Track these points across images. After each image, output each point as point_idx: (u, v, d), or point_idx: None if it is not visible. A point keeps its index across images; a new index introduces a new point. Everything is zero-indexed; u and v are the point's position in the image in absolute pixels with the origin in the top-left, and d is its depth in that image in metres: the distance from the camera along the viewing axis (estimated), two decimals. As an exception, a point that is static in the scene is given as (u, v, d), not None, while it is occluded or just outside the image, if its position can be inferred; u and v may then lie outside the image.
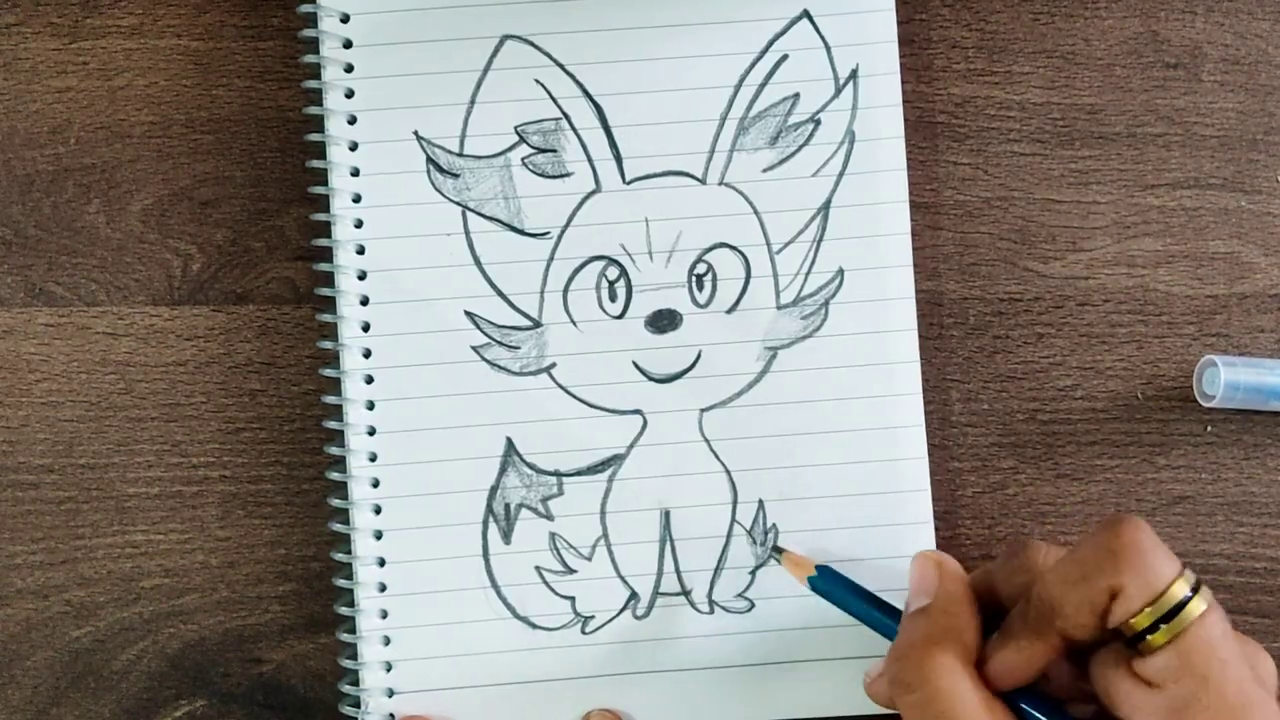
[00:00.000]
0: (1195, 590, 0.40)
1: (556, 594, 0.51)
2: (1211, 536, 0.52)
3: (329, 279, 0.51)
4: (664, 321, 0.51)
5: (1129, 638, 0.40)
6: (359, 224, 0.51)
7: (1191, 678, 0.39)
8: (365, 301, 0.51)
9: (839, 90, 0.51)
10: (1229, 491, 0.53)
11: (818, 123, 0.51)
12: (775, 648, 0.51)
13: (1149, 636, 0.39)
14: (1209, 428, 0.53)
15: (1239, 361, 0.51)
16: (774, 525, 0.51)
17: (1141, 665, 0.40)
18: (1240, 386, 0.51)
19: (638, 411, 0.51)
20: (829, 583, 0.48)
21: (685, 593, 0.51)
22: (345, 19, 0.51)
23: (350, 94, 0.51)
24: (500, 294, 0.51)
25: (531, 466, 0.51)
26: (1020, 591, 0.44)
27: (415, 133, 0.51)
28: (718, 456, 0.51)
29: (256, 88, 0.53)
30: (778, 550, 0.50)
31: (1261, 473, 0.53)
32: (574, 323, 0.51)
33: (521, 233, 0.51)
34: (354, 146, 0.51)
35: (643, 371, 0.51)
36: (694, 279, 0.51)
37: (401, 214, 0.51)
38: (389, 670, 0.50)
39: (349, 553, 0.51)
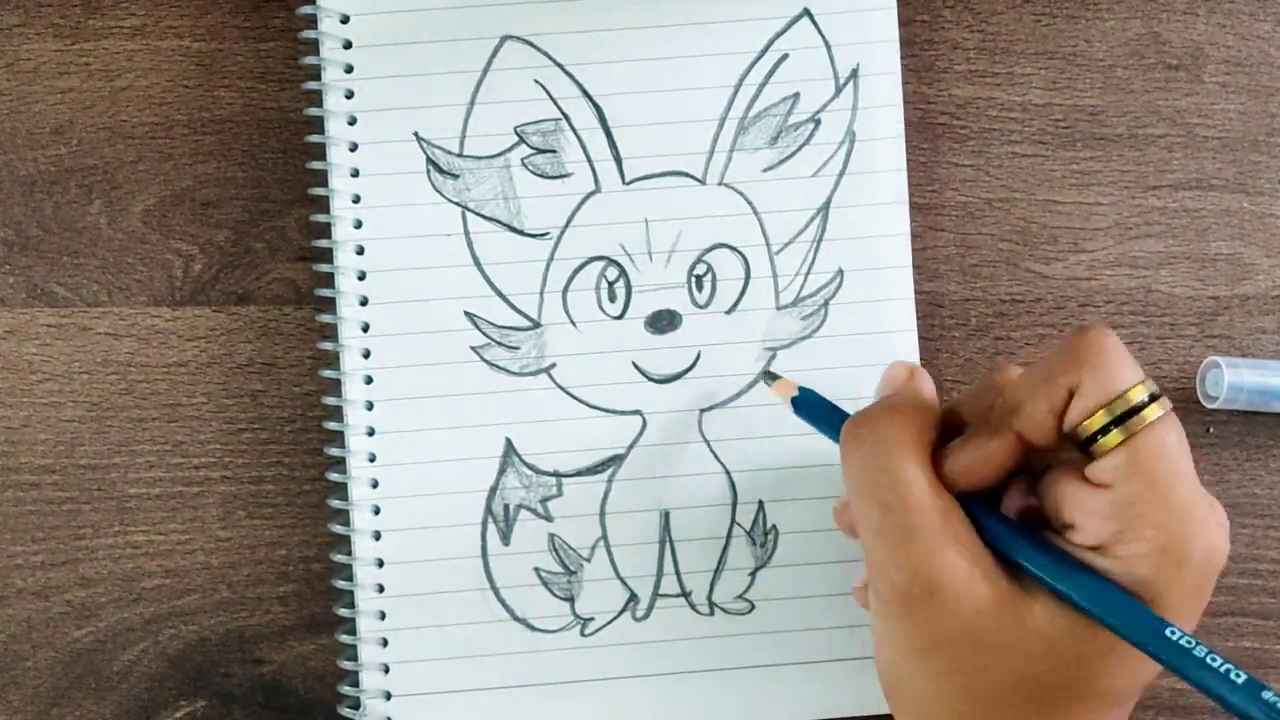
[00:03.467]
0: (1154, 399, 0.39)
1: (555, 595, 0.51)
2: (1214, 538, 0.52)
3: (329, 279, 0.51)
4: (663, 322, 0.51)
5: (1084, 442, 0.39)
6: (359, 224, 0.51)
7: (1140, 478, 0.38)
8: (365, 302, 0.51)
9: (839, 90, 0.51)
10: (1231, 493, 0.52)
11: (818, 122, 0.51)
12: (776, 650, 0.51)
13: (1102, 438, 0.39)
14: (1211, 429, 0.53)
15: (1243, 363, 0.51)
16: (774, 526, 0.51)
17: (1093, 468, 0.39)
18: (1244, 388, 0.51)
19: (637, 412, 0.51)
20: (809, 405, 0.48)
21: (685, 594, 0.51)
22: (345, 20, 0.51)
23: (350, 95, 0.51)
24: (500, 294, 0.51)
25: (531, 467, 0.51)
26: (987, 412, 0.43)
27: (415, 133, 0.51)
28: (717, 457, 0.51)
29: (258, 89, 0.53)
30: (769, 375, 0.50)
31: (1264, 474, 0.52)
32: (573, 323, 0.51)
33: (521, 233, 0.51)
34: (354, 147, 0.51)
35: (642, 372, 0.51)
36: (693, 279, 0.51)
37: (401, 214, 0.51)
38: (386, 672, 0.50)
39: (349, 554, 0.51)
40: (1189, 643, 0.37)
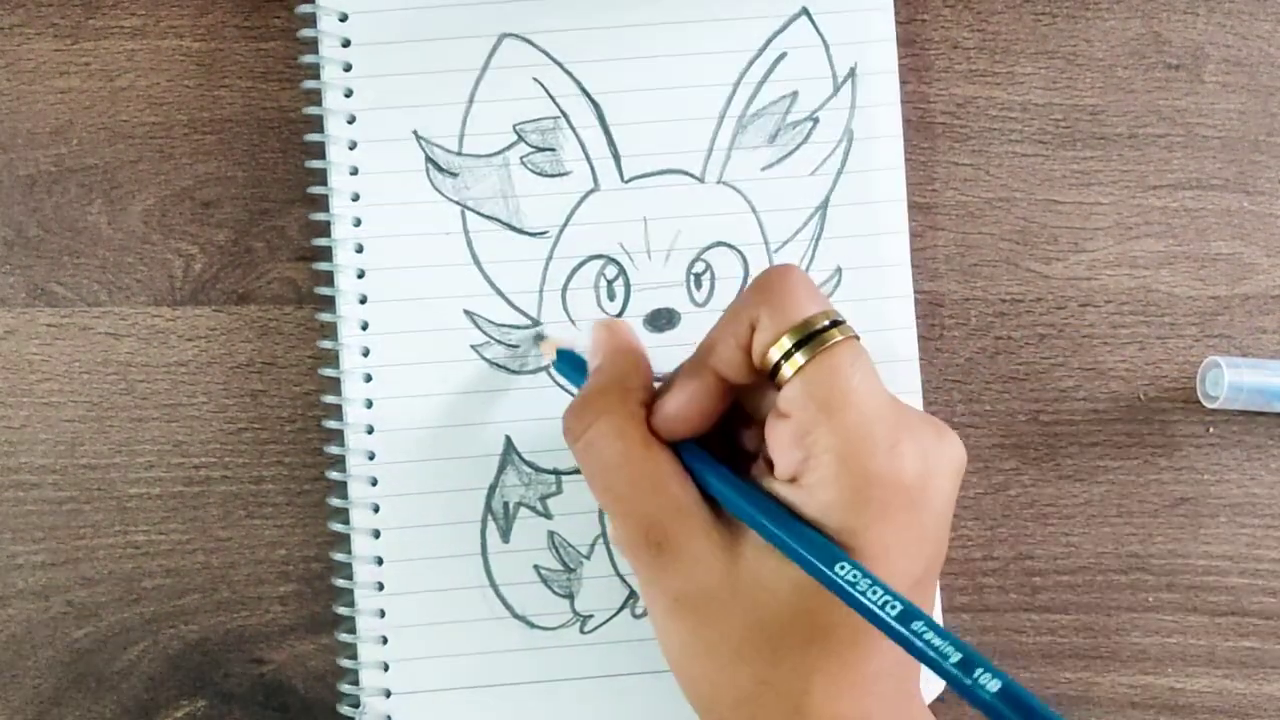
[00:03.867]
0: (835, 326, 0.39)
1: (555, 593, 0.51)
2: (1214, 538, 0.52)
3: (328, 278, 0.51)
4: (662, 320, 0.51)
5: (774, 376, 0.40)
6: (358, 223, 0.51)
7: (813, 402, 0.38)
8: (364, 300, 0.51)
9: (837, 88, 0.51)
10: (1231, 493, 0.52)
11: (816, 121, 0.51)
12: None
13: (784, 367, 0.39)
14: (1211, 429, 0.52)
15: (1243, 363, 0.51)
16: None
17: (778, 399, 0.40)
18: (1244, 388, 0.51)
19: (636, 410, 0.51)
20: (566, 364, 0.49)
21: (685, 593, 0.51)
22: (344, 18, 0.51)
23: (349, 93, 0.51)
24: (499, 293, 0.51)
25: (530, 465, 0.51)
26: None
27: (414, 132, 0.51)
28: (716, 455, 0.51)
29: (258, 88, 0.53)
30: (539, 338, 0.50)
31: (1264, 474, 0.52)
32: (573, 321, 0.51)
33: (520, 231, 0.51)
34: (353, 146, 0.51)
35: (641, 370, 0.51)
36: (692, 278, 0.51)
37: (400, 213, 0.51)
38: (386, 670, 0.50)
39: (348, 553, 0.51)
40: (853, 577, 0.37)
